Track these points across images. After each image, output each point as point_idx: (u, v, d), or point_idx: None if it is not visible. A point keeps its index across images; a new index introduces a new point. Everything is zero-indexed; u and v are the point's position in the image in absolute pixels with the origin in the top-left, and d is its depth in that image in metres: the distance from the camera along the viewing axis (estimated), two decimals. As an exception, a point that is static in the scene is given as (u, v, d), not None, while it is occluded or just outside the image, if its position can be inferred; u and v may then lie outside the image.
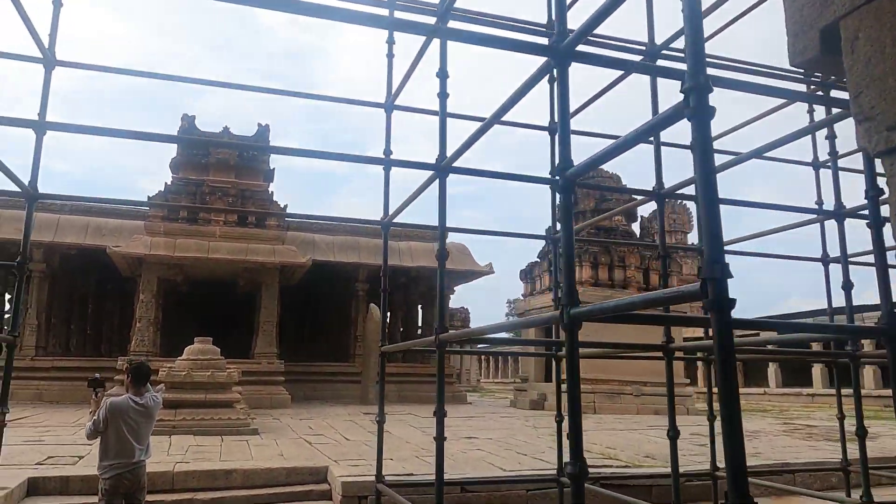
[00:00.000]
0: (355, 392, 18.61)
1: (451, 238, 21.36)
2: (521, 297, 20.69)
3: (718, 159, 5.02)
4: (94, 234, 17.23)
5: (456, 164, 3.67)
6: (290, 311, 19.88)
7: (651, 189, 4.81)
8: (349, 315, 20.37)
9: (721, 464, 5.57)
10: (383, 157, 4.59)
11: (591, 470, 7.28)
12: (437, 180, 3.64)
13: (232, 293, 18.59)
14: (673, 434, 4.26)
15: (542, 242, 20.05)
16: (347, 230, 20.28)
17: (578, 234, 19.19)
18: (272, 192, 16.86)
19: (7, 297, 20.56)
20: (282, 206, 16.56)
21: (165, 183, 15.96)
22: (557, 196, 6.41)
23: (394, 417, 13.88)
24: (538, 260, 20.25)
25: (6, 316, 19.47)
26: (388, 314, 22.78)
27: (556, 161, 2.22)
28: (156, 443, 9.23)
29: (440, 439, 3.42)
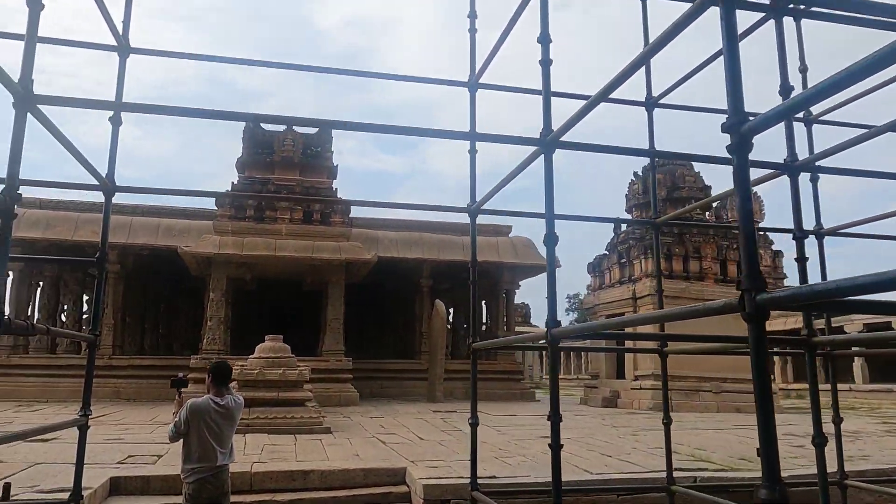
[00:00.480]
0: (422, 390, 18.40)
1: (515, 232, 20.87)
2: (588, 292, 20.05)
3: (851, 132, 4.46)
4: (165, 234, 17.55)
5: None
6: (355, 308, 19.80)
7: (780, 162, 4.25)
8: (413, 312, 20.18)
9: (846, 469, 4.98)
10: (469, 131, 4.22)
11: (685, 473, 6.67)
12: (542, 157, 3.24)
13: (298, 291, 18.66)
14: (820, 441, 3.74)
15: (611, 235, 19.36)
16: (410, 226, 20.08)
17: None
18: (336, 189, 16.79)
19: (85, 297, 21.25)
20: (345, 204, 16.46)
21: (232, 182, 16.12)
22: (648, 176, 5.91)
23: (464, 416, 13.53)
24: (606, 253, 19.57)
25: (84, 316, 20.13)
26: (452, 310, 22.53)
27: (728, 116, 1.78)
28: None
29: (556, 447, 3.02)
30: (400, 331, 22.73)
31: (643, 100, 5.11)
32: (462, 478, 6.70)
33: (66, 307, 20.95)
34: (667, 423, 4.66)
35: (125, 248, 17.75)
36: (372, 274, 18.69)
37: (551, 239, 3.22)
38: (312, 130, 17.37)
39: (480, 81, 4.81)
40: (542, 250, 15.60)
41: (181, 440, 4.48)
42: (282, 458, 8.05)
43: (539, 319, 54.91)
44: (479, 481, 6.28)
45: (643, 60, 2.95)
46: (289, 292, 19.90)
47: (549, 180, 3.23)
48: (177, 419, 4.47)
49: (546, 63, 3.36)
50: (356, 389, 15.76)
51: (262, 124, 17.22)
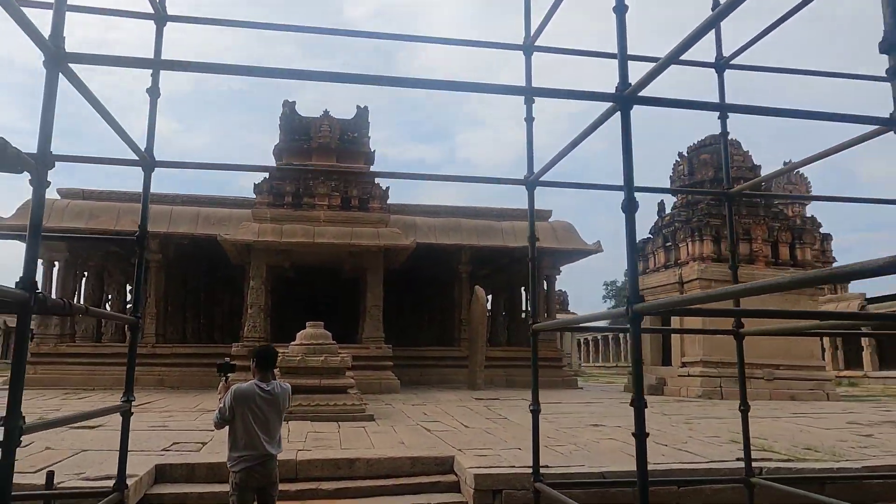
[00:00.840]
0: (462, 377, 18.17)
1: (556, 216, 20.43)
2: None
3: None
4: (205, 223, 17.58)
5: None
6: (393, 295, 19.63)
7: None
8: (452, 298, 19.94)
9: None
10: (526, 86, 3.88)
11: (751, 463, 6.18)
12: (619, 114, 2.90)
13: (337, 278, 18.58)
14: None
15: (654, 219, 18.80)
16: (449, 212, 19.82)
17: (696, 206, 17.78)
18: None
19: (129, 287, 21.54)
20: (383, 188, 16.28)
21: (270, 172, 16.01)
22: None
23: (507, 403, 13.30)
24: (650, 236, 19.01)
25: (128, 305, 20.38)
26: (490, 297, 22.23)
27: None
28: (274, 429, 9.06)
29: (641, 436, 2.71)
30: (438, 318, 22.54)
31: (712, 60, 4.71)
32: (513, 467, 6.41)
33: (110, 297, 21.31)
34: (744, 409, 4.30)
35: (166, 236, 17.86)
36: (410, 260, 18.49)
37: (631, 205, 2.89)
38: (349, 116, 17.18)
39: (536, 44, 4.47)
40: (584, 235, 15.14)
41: (226, 427, 4.28)
42: (326, 445, 7.89)
43: (577, 307, 54.21)
44: (551, 471, 5.97)
45: (728, 9, 2.59)
46: (327, 280, 19.85)
47: (627, 140, 2.89)
48: (221, 405, 4.28)
49: (621, 9, 3.01)
50: (396, 377, 15.60)
51: (298, 111, 17.11)
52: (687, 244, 16.91)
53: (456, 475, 6.91)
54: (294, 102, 16.86)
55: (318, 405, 10.14)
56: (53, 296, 18.49)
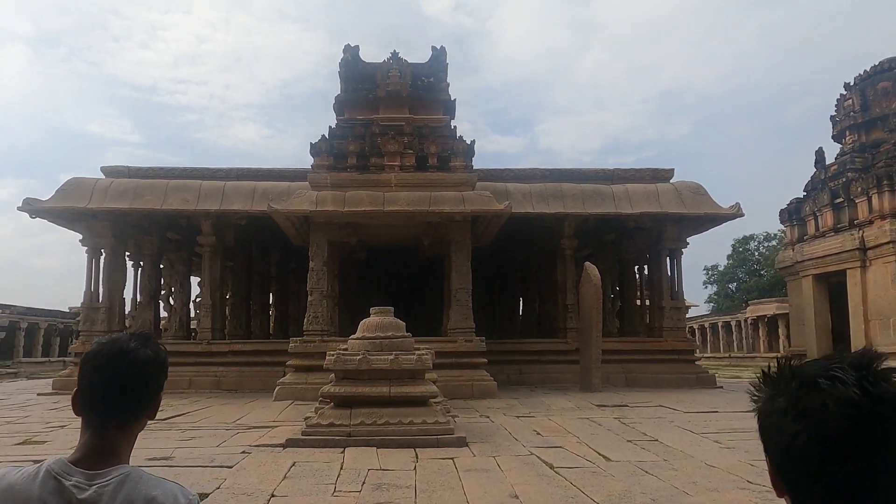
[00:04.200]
0: (569, 375, 14.79)
1: (680, 176, 16.66)
2: (784, 245, 15.49)
3: None
4: (262, 199, 14.98)
5: None
6: (480, 278, 16.41)
7: None
8: (554, 280, 16.54)
9: None
10: None
11: None
12: None
13: (415, 258, 15.62)
14: None
15: (808, 174, 14.66)
16: (545, 176, 16.42)
17: (877, 148, 13.58)
18: (455, 128, 13.44)
19: (195, 279, 19.42)
20: (468, 142, 13.09)
21: (329, 127, 13.17)
22: None
23: (643, 413, 9.85)
24: (805, 194, 14.92)
25: (197, 299, 18.14)
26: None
27: None
28: (322, 462, 6.05)
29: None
30: (535, 304, 19.19)
31: None
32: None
33: (173, 289, 19.14)
34: None
35: (219, 216, 15.43)
36: (500, 236, 15.29)
37: None
38: (423, 59, 14.10)
39: None
40: (716, 196, 11.18)
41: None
42: (393, 498, 4.84)
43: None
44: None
45: None
46: (405, 260, 16.96)
47: None
48: None
49: None
50: (491, 377, 12.44)
51: (361, 57, 14.18)
52: (869, 198, 12.79)
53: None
54: (357, 47, 13.95)
55: (387, 424, 7.12)
56: (100, 288, 16.57)
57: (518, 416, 9.49)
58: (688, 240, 16.54)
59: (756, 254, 61.38)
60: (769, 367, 0.90)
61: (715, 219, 15.73)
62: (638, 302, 18.45)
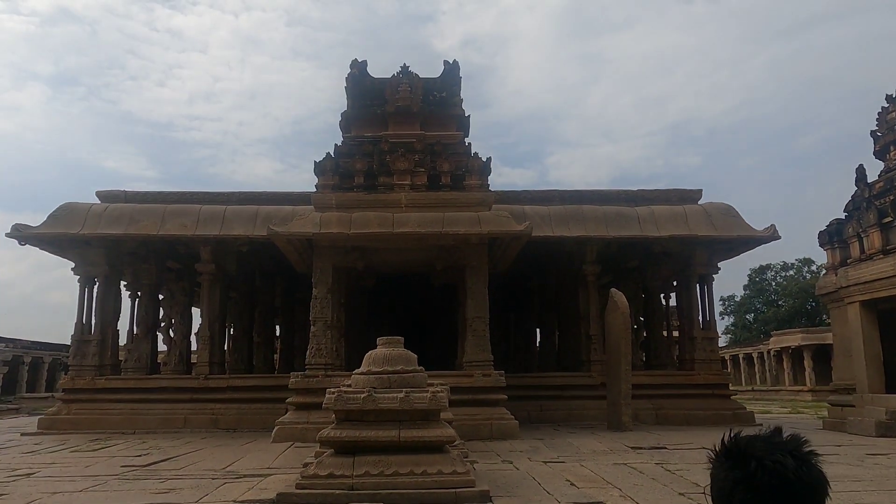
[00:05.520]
0: (595, 412, 13.64)
1: (708, 197, 15.66)
2: (825, 270, 14.34)
3: None
4: (264, 224, 14.04)
5: None
6: (496, 307, 15.33)
7: None
8: (576, 309, 15.44)
9: None
10: None
11: None
12: None
13: (427, 286, 14.61)
14: None
15: (848, 194, 13.61)
16: (565, 198, 15.45)
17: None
18: (470, 144, 12.53)
19: (197, 310, 18.45)
20: (483, 159, 12.17)
21: (335, 144, 12.29)
22: None
23: (685, 457, 8.67)
24: (847, 215, 13.84)
25: (198, 332, 17.12)
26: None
27: None
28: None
29: None
30: (554, 335, 18.07)
31: None
32: None
33: (173, 321, 18.14)
34: None
35: (219, 242, 14.54)
36: (514, 263, 14.29)
37: None
38: (435, 73, 13.28)
39: None
40: (748, 218, 9.95)
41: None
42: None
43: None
44: None
45: None
46: (415, 289, 15.99)
47: None
48: None
49: None
50: (512, 415, 11.31)
51: (369, 73, 13.39)
52: (924, 216, 11.71)
53: None
54: (365, 62, 13.17)
55: (397, 475, 6.02)
56: (92, 319, 15.61)
57: (545, 462, 8.34)
58: (719, 265, 15.46)
59: (773, 283, 60.02)
60: (727, 439, 1.26)
61: (748, 242, 14.66)
62: (664, 333, 17.29)
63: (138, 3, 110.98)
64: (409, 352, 7.09)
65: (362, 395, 6.43)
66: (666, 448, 9.68)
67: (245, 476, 7.51)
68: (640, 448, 9.63)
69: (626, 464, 8.15)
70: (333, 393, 6.54)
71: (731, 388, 15.34)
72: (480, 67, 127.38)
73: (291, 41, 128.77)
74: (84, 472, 7.97)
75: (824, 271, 14.63)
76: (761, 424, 13.90)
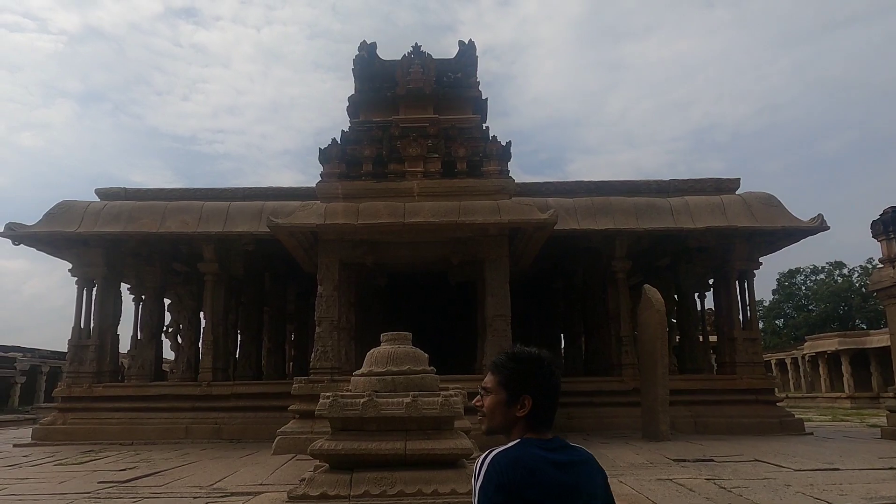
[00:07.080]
0: (627, 420, 12.50)
1: (746, 187, 14.49)
2: (881, 264, 13.08)
3: None
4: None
5: None
6: (516, 306, 14.25)
7: None
8: (604, 308, 14.35)
9: None
10: None
11: None
12: None
13: (443, 284, 13.60)
14: None
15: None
16: (591, 189, 14.38)
17: None
18: (487, 128, 11.51)
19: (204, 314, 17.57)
20: (503, 143, 11.15)
21: (342, 130, 11.36)
22: None
23: (738, 470, 7.53)
24: (901, 204, 12.60)
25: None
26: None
27: None
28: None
29: None
30: (581, 338, 16.96)
31: None
32: None
33: (181, 326, 17.28)
34: None
35: (222, 239, 13.68)
36: (535, 261, 13.25)
37: None
38: (449, 54, 12.33)
39: None
40: (791, 207, 8.56)
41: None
42: None
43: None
44: None
45: None
46: (431, 287, 15.01)
47: None
48: None
49: None
50: (537, 423, 10.20)
51: (379, 55, 12.47)
52: None
53: None
54: (374, 44, 12.26)
55: (402, 495, 5.02)
56: (91, 324, 14.80)
57: (578, 477, 7.26)
58: (760, 259, 14.24)
59: (804, 288, 58.19)
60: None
61: (794, 234, 13.44)
62: (700, 336, 16.06)
63: (163, 19, 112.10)
64: (418, 349, 6.09)
65: (362, 400, 5.44)
66: (713, 460, 8.54)
67: (232, 494, 6.54)
68: (684, 461, 8.51)
69: (671, 479, 7.05)
70: (328, 398, 5.55)
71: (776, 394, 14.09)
72: (499, 76, 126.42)
73: (313, 54, 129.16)
74: (55, 489, 7.07)
75: (878, 265, 13.34)
76: (812, 433, 12.69)
